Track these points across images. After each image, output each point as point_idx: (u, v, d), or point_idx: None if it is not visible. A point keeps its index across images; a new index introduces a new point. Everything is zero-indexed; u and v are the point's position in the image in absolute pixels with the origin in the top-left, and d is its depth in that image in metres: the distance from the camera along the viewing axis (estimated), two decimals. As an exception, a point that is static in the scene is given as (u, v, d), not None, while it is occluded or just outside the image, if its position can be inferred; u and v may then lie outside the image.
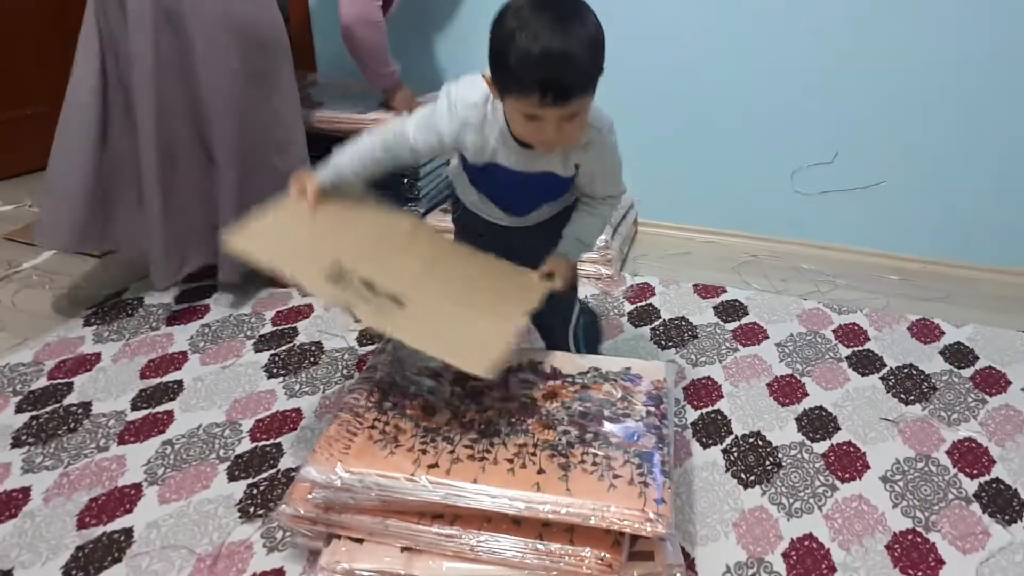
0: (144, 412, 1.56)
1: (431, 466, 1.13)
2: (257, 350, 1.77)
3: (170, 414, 1.56)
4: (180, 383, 1.65)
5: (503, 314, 1.24)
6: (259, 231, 1.26)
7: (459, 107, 1.21)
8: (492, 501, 1.09)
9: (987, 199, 2.06)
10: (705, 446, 1.49)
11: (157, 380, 1.66)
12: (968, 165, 2.03)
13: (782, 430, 1.53)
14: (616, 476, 1.12)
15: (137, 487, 1.37)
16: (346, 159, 1.31)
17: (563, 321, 1.49)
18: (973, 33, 1.90)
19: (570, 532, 1.11)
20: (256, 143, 1.79)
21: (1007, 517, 1.34)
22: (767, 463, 1.45)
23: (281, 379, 1.67)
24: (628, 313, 1.94)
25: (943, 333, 1.85)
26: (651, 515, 1.06)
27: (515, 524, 1.12)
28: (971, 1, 1.87)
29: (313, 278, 1.21)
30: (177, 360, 1.73)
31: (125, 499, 1.34)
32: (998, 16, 1.87)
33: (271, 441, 1.49)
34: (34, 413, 1.55)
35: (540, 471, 1.13)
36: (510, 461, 1.15)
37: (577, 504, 1.08)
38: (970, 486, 1.40)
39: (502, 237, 1.39)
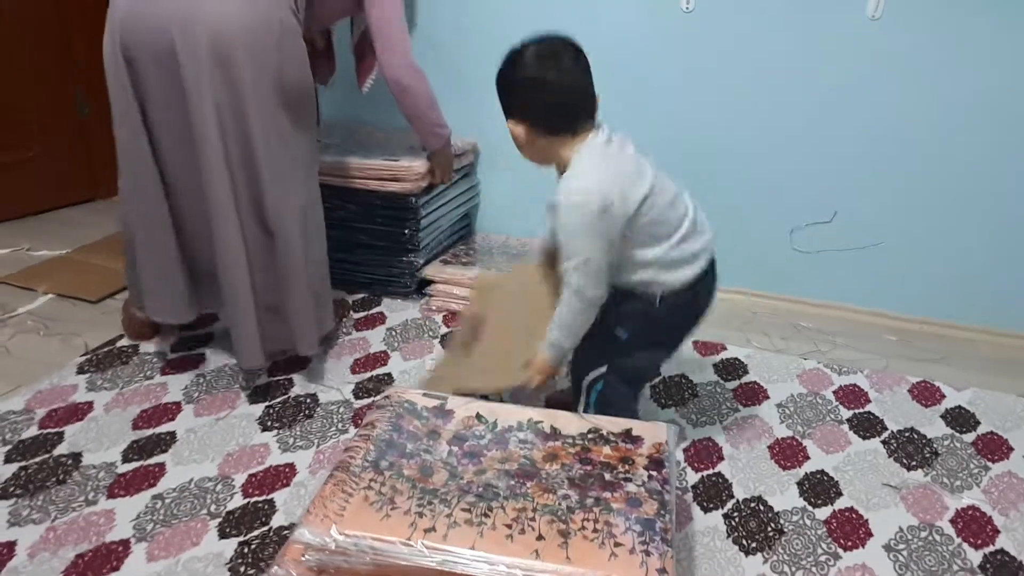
0: (135, 464, 1.53)
1: (428, 530, 1.10)
2: (252, 402, 1.74)
3: (162, 467, 1.53)
4: (173, 435, 1.62)
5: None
6: (496, 279, 1.88)
7: None
8: (490, 568, 1.06)
9: (984, 261, 2.06)
10: (706, 510, 1.47)
11: (150, 431, 1.63)
12: (965, 227, 2.05)
13: (783, 495, 1.51)
14: (617, 544, 1.09)
15: (125, 543, 1.34)
16: None
17: (585, 367, 1.51)
18: (971, 97, 1.93)
19: (569, 601, 1.08)
20: (301, 207, 1.73)
21: (1013, 590, 1.31)
22: (769, 529, 1.42)
23: (275, 432, 1.64)
24: (627, 370, 1.92)
25: (944, 396, 1.84)
26: (653, 586, 1.04)
27: (513, 592, 1.09)
28: (967, 67, 1.90)
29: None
30: (170, 411, 1.70)
31: (112, 556, 1.31)
32: (996, 81, 1.89)
33: (264, 497, 1.46)
34: (23, 463, 1.52)
35: (539, 537, 1.10)
36: (508, 526, 1.12)
37: (578, 573, 1.05)
38: (975, 557, 1.38)
39: None
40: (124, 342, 1.95)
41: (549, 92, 1.32)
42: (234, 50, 1.53)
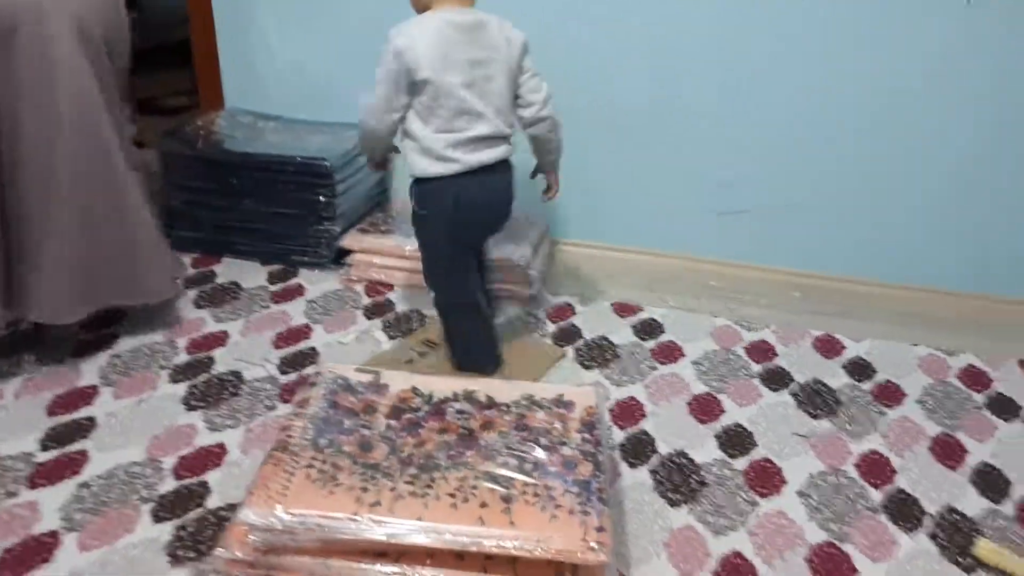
0: (55, 452, 1.48)
1: (373, 504, 1.13)
2: (173, 381, 1.71)
3: (84, 454, 1.48)
4: (92, 420, 1.57)
5: None
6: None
7: None
8: (438, 537, 1.09)
9: (879, 220, 2.19)
10: (633, 466, 1.54)
11: (67, 417, 1.57)
12: (864, 189, 2.17)
13: (703, 448, 1.60)
14: (558, 506, 1.14)
15: (54, 535, 1.30)
16: None
17: None
18: (878, 62, 2.02)
19: (513, 564, 1.13)
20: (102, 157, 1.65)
21: (910, 525, 1.44)
22: (692, 481, 1.50)
23: (201, 412, 1.62)
24: (552, 333, 1.97)
25: (844, 348, 1.97)
26: (592, 544, 1.09)
27: (458, 558, 1.13)
28: (877, 34, 1.99)
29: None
30: (87, 395, 1.64)
31: (42, 549, 1.27)
32: (898, 46, 2.00)
33: (196, 479, 1.44)
34: (-70, 458, 1.45)
35: (483, 504, 1.14)
36: (452, 496, 1.15)
37: (521, 537, 1.09)
38: (877, 496, 1.50)
39: None
40: (28, 324, 1.85)
41: None
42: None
